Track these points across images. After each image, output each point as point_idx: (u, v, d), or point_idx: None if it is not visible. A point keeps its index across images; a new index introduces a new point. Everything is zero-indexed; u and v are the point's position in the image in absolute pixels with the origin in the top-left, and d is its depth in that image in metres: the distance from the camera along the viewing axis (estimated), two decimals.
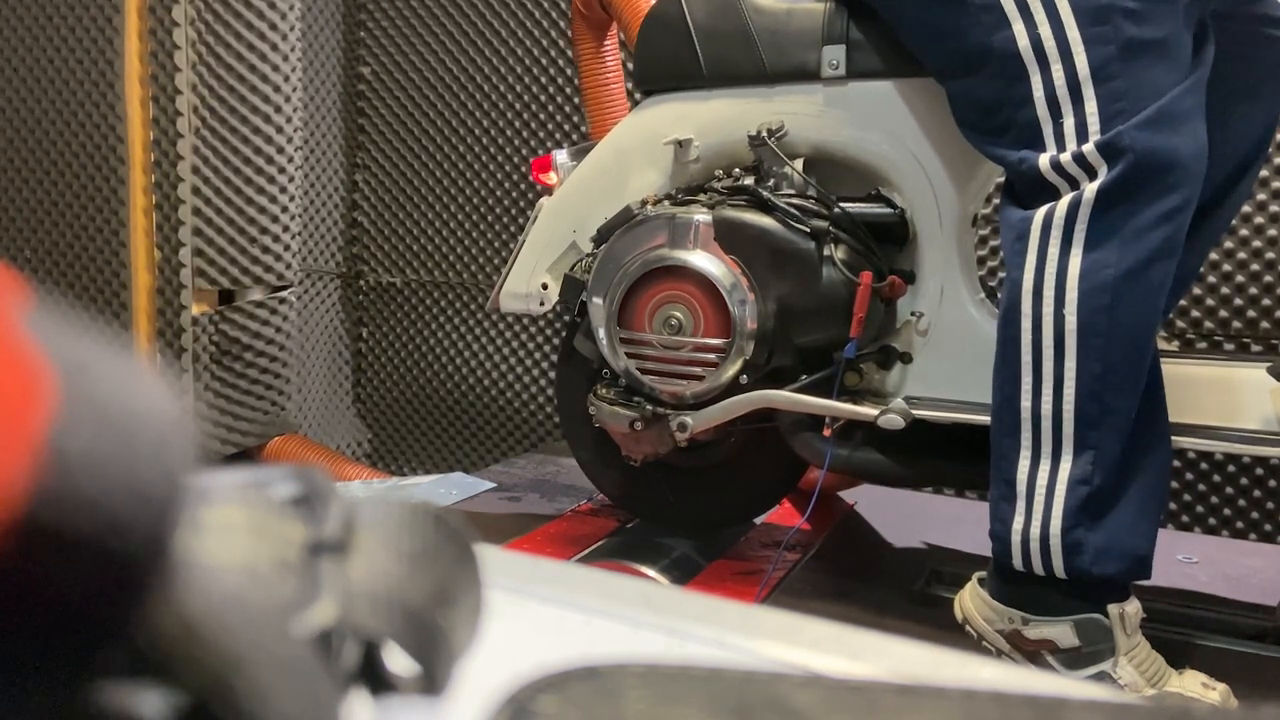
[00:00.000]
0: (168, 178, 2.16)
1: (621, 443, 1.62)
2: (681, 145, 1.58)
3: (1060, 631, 1.21)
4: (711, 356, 1.50)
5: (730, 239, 1.48)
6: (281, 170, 2.28)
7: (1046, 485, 1.20)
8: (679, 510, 1.73)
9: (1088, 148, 1.17)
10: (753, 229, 1.47)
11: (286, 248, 2.31)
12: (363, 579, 0.24)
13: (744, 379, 1.50)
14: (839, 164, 1.53)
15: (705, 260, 1.49)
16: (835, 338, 1.45)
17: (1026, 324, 1.21)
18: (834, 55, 1.48)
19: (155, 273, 2.20)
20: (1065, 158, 1.19)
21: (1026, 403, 1.21)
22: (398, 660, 0.25)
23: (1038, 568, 1.21)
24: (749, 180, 1.52)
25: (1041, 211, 1.21)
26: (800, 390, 1.46)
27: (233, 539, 0.22)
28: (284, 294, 2.33)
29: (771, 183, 1.51)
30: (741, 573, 1.61)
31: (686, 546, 1.68)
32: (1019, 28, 1.20)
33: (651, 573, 1.59)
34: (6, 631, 0.16)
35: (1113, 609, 1.19)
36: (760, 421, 1.54)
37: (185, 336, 2.18)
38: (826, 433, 1.47)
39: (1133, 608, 1.20)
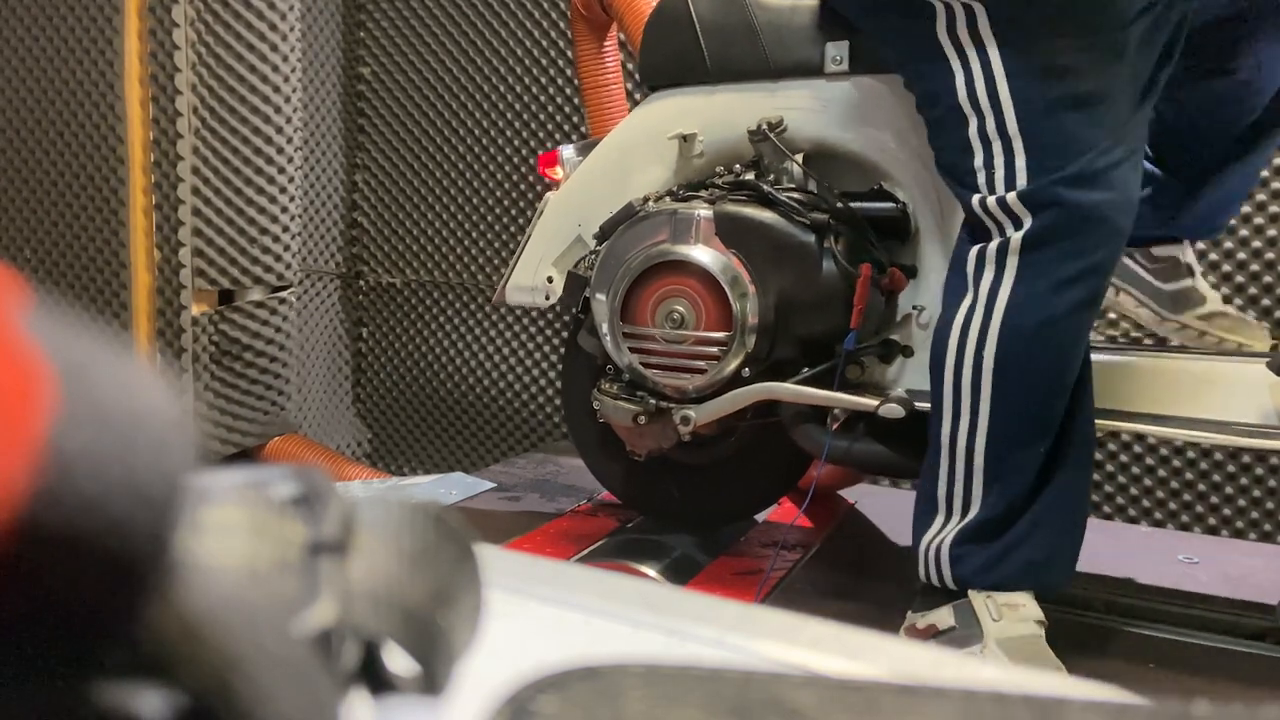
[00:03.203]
0: (168, 178, 2.16)
1: (626, 437, 1.63)
2: (686, 140, 1.59)
3: (941, 615, 1.27)
4: (714, 350, 1.50)
5: (731, 234, 1.49)
6: (281, 170, 2.28)
7: (961, 505, 1.26)
8: (684, 506, 1.73)
9: (1011, 196, 1.22)
10: (753, 223, 1.48)
11: (286, 248, 2.31)
12: (363, 579, 0.24)
13: (746, 372, 1.50)
14: (842, 159, 1.53)
15: (707, 255, 1.49)
16: (836, 330, 1.45)
17: (950, 359, 1.26)
18: (837, 51, 1.49)
19: (155, 273, 2.20)
20: (992, 202, 1.23)
21: (946, 429, 1.26)
22: (398, 660, 0.25)
23: (934, 579, 1.27)
24: (750, 175, 1.53)
25: (976, 249, 1.25)
26: (802, 382, 1.47)
27: (233, 539, 0.22)
28: (284, 294, 2.33)
29: (772, 178, 1.52)
30: (741, 572, 1.61)
31: (687, 546, 1.68)
32: (960, 79, 1.24)
33: (651, 573, 1.59)
34: (7, 631, 0.16)
35: (974, 595, 1.24)
36: (763, 414, 1.54)
37: (185, 336, 2.18)
38: (834, 427, 1.48)
39: (1016, 600, 1.23)
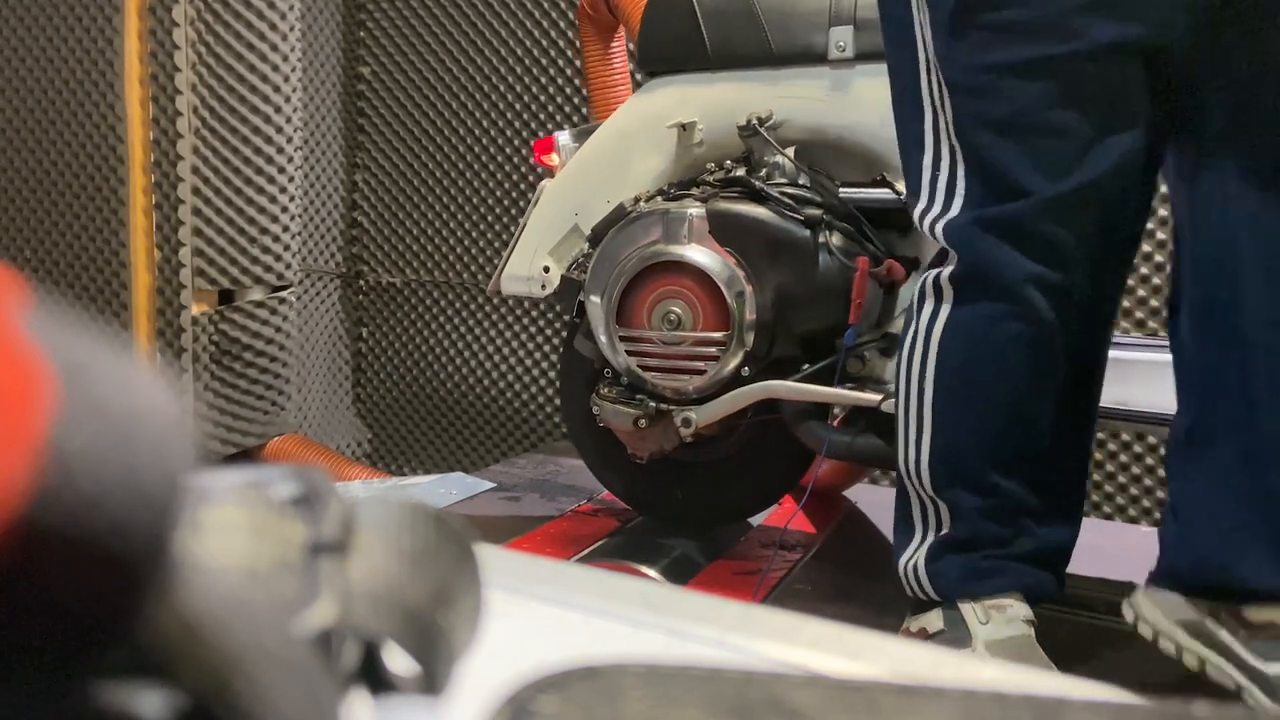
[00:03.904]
0: (168, 178, 2.16)
1: (627, 441, 1.62)
2: (685, 129, 1.57)
3: (930, 619, 1.25)
4: (712, 350, 1.50)
5: (725, 231, 1.48)
6: (281, 170, 2.28)
7: (930, 526, 1.24)
8: (687, 506, 1.73)
9: (940, 228, 1.14)
10: (746, 220, 1.47)
11: (286, 248, 2.31)
12: (363, 579, 0.24)
13: (746, 371, 1.50)
14: (845, 149, 1.53)
15: (701, 254, 1.49)
16: (835, 325, 1.45)
17: (902, 383, 1.22)
18: (841, 37, 1.48)
19: (155, 273, 2.20)
20: (928, 223, 1.16)
21: (902, 453, 1.23)
22: (398, 660, 0.25)
23: (918, 594, 1.25)
24: (741, 171, 1.52)
25: (922, 279, 1.20)
26: (802, 380, 1.46)
27: (233, 539, 0.22)
28: (284, 294, 2.33)
29: (764, 172, 1.51)
30: (741, 573, 1.61)
31: (686, 546, 1.68)
32: (921, 62, 1.15)
33: (651, 573, 1.59)
34: (6, 631, 0.16)
35: (963, 604, 1.21)
36: (765, 412, 1.54)
37: (185, 336, 2.18)
38: (836, 422, 1.47)
39: (1003, 601, 1.21)
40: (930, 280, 1.18)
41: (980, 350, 1.15)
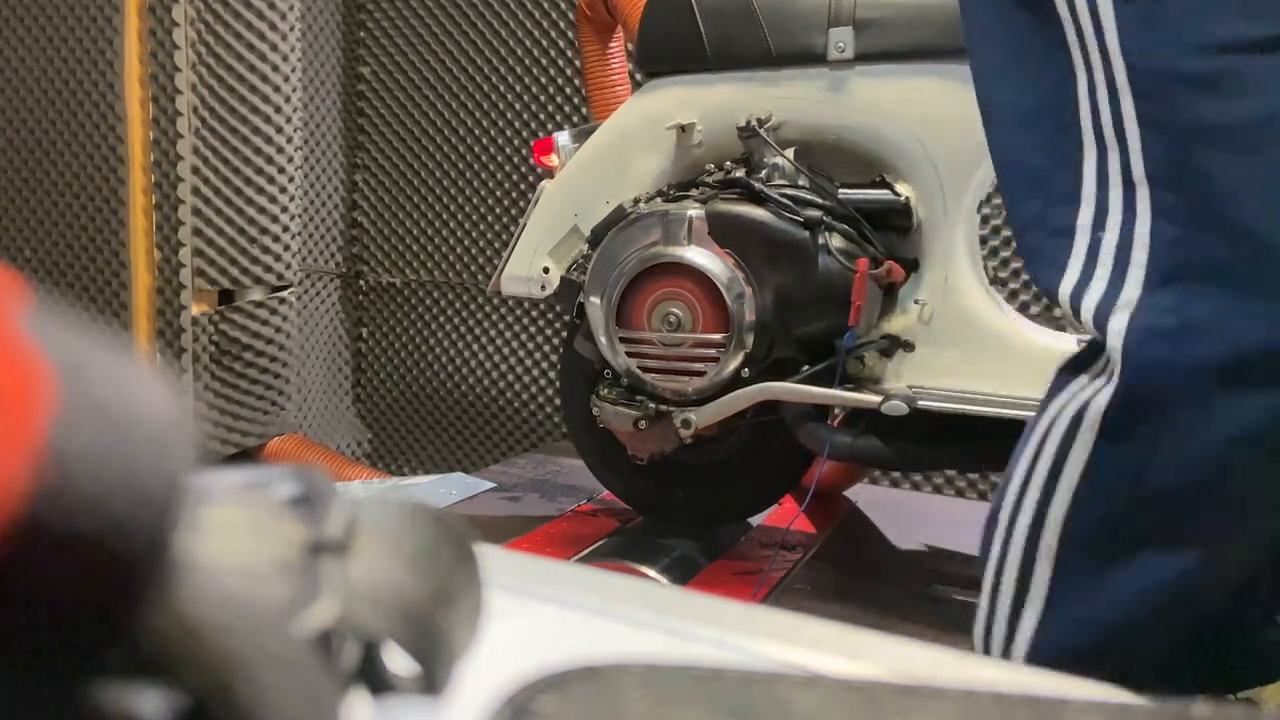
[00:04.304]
0: (168, 178, 2.16)
1: (627, 442, 1.62)
2: (684, 130, 1.57)
3: None
4: (712, 351, 1.50)
5: (724, 233, 1.48)
6: (281, 170, 2.28)
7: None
8: (688, 506, 1.73)
9: (1111, 323, 0.76)
10: (746, 221, 1.47)
11: (286, 248, 2.31)
12: (363, 579, 0.24)
13: (745, 372, 1.50)
14: (844, 150, 1.53)
15: (700, 255, 1.49)
16: (834, 327, 1.45)
17: (1001, 525, 0.84)
18: (841, 38, 1.48)
19: (155, 273, 2.20)
20: (1087, 308, 0.78)
21: (984, 620, 0.86)
22: (398, 660, 0.25)
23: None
24: (740, 172, 1.52)
25: (1058, 400, 0.82)
26: (802, 381, 1.46)
27: (233, 539, 0.22)
28: (284, 294, 2.33)
29: (763, 174, 1.51)
30: (741, 573, 1.61)
31: (686, 546, 1.68)
32: (1084, 79, 0.80)
33: (651, 573, 1.59)
34: (7, 631, 0.16)
35: None
36: (765, 414, 1.54)
37: (185, 336, 2.18)
38: (836, 423, 1.47)
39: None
40: (1073, 415, 0.80)
41: (1141, 505, 0.78)
